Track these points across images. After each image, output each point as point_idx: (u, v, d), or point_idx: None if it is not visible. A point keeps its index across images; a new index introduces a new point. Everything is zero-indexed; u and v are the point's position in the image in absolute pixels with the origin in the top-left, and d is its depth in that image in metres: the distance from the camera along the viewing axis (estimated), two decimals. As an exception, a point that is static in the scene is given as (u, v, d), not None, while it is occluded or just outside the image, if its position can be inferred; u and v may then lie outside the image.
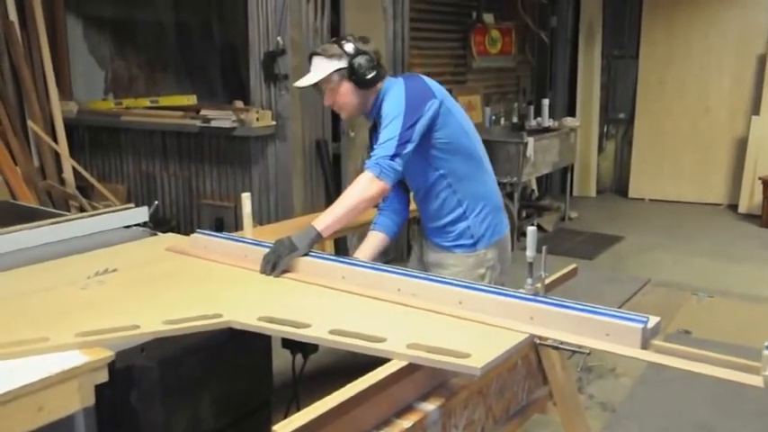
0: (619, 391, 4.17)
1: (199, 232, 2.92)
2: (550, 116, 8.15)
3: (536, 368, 2.33)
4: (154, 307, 2.21)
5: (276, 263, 2.53)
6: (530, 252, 2.16)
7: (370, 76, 2.78)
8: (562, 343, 1.97)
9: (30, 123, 6.27)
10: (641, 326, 1.90)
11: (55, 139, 6.39)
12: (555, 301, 2.07)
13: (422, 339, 1.91)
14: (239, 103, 5.91)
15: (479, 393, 2.01)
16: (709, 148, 9.06)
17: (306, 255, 2.58)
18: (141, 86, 7.30)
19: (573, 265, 2.72)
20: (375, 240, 3.02)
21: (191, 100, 6.51)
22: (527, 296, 2.12)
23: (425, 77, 2.91)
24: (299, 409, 2.49)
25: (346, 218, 2.68)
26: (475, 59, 7.57)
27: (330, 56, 2.78)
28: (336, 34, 5.74)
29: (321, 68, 2.80)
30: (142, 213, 3.42)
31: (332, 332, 1.98)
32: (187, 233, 3.22)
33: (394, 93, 2.78)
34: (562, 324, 1.99)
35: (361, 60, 2.76)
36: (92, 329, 1.99)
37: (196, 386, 2.35)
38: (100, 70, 7.25)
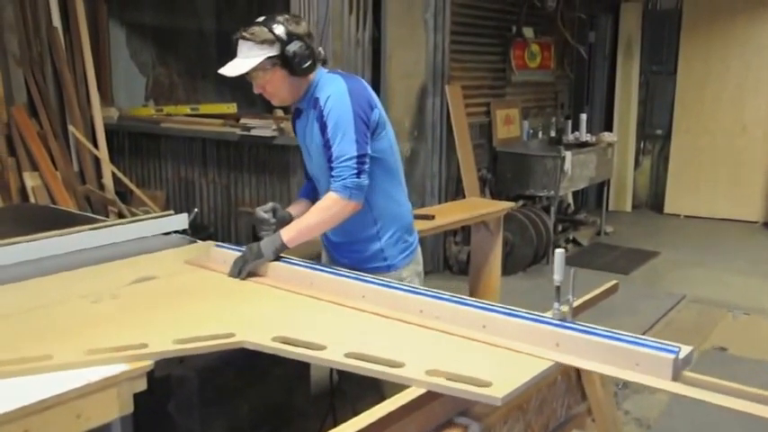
0: (655, 407, 4.11)
1: (218, 246, 2.87)
2: (588, 131, 8.10)
3: (575, 384, 2.30)
4: (166, 324, 2.16)
5: (242, 267, 2.57)
6: (557, 275, 2.07)
7: (304, 66, 2.59)
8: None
9: (71, 128, 6.34)
10: (673, 356, 1.83)
11: (95, 145, 6.46)
12: (583, 328, 1.99)
13: (442, 364, 1.85)
14: (279, 112, 5.93)
15: (519, 409, 1.99)
16: (745, 165, 8.98)
17: (276, 260, 2.60)
18: (181, 94, 7.37)
19: (614, 281, 2.69)
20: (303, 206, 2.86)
21: (231, 108, 6.55)
22: (553, 321, 2.03)
23: (365, 81, 2.80)
24: (335, 421, 2.51)
25: (313, 233, 2.67)
26: (514, 73, 7.54)
27: (260, 41, 2.56)
28: (378, 46, 5.77)
29: (251, 55, 2.58)
30: (182, 220, 3.41)
31: (348, 355, 1.91)
32: (224, 241, 3.23)
33: (338, 98, 2.60)
34: (589, 352, 1.90)
35: (294, 48, 2.55)
36: (99, 347, 1.94)
37: (233, 396, 2.36)
38: (141, 77, 7.34)
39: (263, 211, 2.77)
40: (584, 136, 8.00)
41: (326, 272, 2.52)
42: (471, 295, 4.91)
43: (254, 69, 2.59)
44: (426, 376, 1.79)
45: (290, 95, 2.72)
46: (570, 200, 8.39)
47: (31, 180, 6.00)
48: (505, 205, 4.98)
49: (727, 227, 8.78)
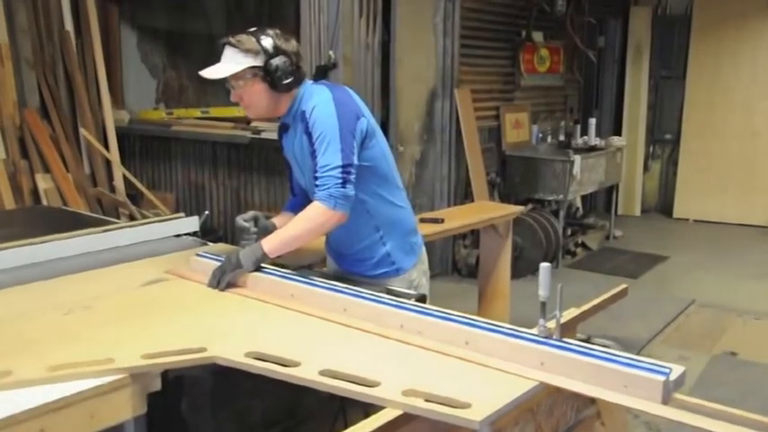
0: (664, 412, 4.10)
1: (199, 255, 2.75)
2: (597, 135, 8.10)
3: None
4: (136, 337, 2.08)
5: (221, 278, 2.50)
6: (542, 291, 1.96)
7: (286, 81, 2.54)
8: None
9: (82, 131, 6.38)
10: (663, 378, 1.73)
11: (106, 147, 6.50)
12: (569, 346, 1.89)
13: (421, 383, 1.77)
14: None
15: (529, 411, 1.98)
16: (755, 170, 8.94)
17: (256, 271, 2.52)
18: (192, 97, 7.41)
19: (623, 285, 2.69)
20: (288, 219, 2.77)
21: (241, 111, 6.53)
22: (539, 338, 1.93)
23: (351, 91, 2.73)
24: (345, 422, 2.52)
25: (296, 244, 2.59)
26: (523, 77, 7.55)
27: (246, 50, 2.51)
28: (388, 50, 5.79)
29: (234, 62, 2.53)
30: (193, 223, 3.42)
31: (322, 373, 1.84)
32: (234, 243, 3.22)
33: (323, 108, 2.54)
34: (575, 372, 1.81)
35: (278, 62, 2.51)
36: (63, 363, 1.86)
37: (246, 397, 2.37)
38: (152, 80, 7.38)
39: (243, 220, 2.73)
40: (594, 140, 8.00)
41: (307, 284, 2.42)
42: (480, 298, 4.95)
43: (234, 77, 2.55)
44: (402, 397, 1.72)
45: (266, 110, 2.66)
46: (579, 204, 8.38)
47: (43, 182, 6.05)
48: (515, 209, 4.99)
49: (736, 231, 8.75)
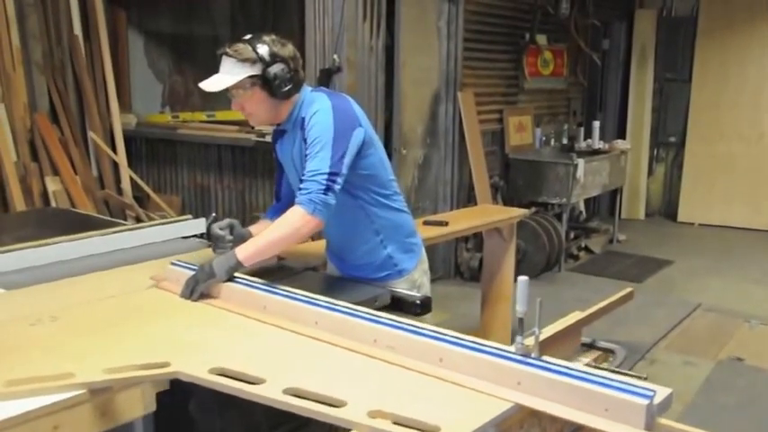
0: (669, 416, 4.04)
1: (174, 264, 2.64)
2: (601, 138, 8.12)
3: None
4: (100, 350, 2.01)
5: (194, 288, 2.43)
6: (520, 306, 1.85)
7: (285, 89, 2.55)
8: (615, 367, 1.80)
9: (90, 134, 6.45)
10: (646, 401, 1.62)
11: (114, 150, 6.56)
12: (548, 366, 1.77)
13: (390, 404, 1.69)
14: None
15: (534, 415, 1.91)
16: (761, 173, 8.90)
17: (229, 281, 2.45)
18: (197, 101, 7.46)
19: (629, 289, 2.69)
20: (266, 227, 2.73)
21: (246, 115, 6.62)
22: (516, 357, 1.82)
23: (351, 100, 2.71)
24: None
25: (271, 251, 2.55)
26: (527, 80, 7.57)
27: (243, 60, 2.51)
28: (391, 54, 5.83)
29: (233, 72, 2.54)
30: (199, 225, 3.45)
31: (287, 391, 1.75)
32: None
33: (321, 115, 2.54)
34: (553, 393, 1.70)
35: (276, 70, 2.51)
36: (21, 377, 1.81)
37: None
38: (158, 84, 7.44)
39: (218, 228, 2.68)
40: (597, 143, 8.02)
41: (281, 295, 2.33)
42: (483, 302, 4.94)
43: (234, 87, 2.55)
44: (368, 419, 1.64)
45: (268, 117, 2.67)
46: (582, 207, 8.39)
47: (52, 184, 6.12)
48: (519, 212, 4.99)
49: (742, 235, 8.72)
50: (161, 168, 6.91)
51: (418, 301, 2.66)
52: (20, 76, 6.09)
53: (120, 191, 6.56)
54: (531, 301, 1.81)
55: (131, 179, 6.56)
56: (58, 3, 6.40)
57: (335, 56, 5.31)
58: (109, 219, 4.90)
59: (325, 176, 2.45)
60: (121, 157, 6.60)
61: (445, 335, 1.98)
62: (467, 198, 6.70)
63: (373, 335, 2.04)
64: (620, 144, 8.19)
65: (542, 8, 7.46)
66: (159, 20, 7.35)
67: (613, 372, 1.83)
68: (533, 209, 7.05)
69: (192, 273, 2.48)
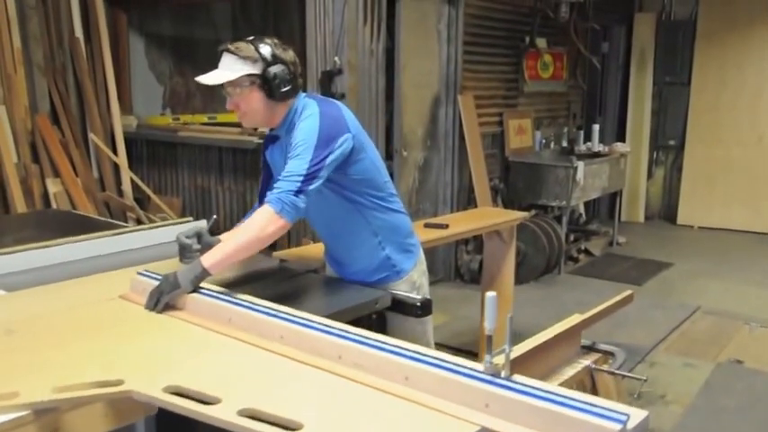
0: (668, 418, 4.08)
1: (140, 274, 2.52)
2: (600, 141, 8.14)
3: (590, 393, 2.26)
4: (51, 366, 1.90)
5: (158, 299, 2.32)
6: (488, 323, 1.71)
7: (283, 90, 2.53)
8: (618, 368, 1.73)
9: (91, 136, 6.47)
10: (619, 426, 1.50)
11: (115, 152, 6.58)
12: (518, 387, 1.66)
13: (351, 426, 1.63)
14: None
15: None
16: (761, 176, 8.90)
17: (194, 291, 2.34)
18: (198, 103, 7.48)
19: (628, 291, 2.67)
20: None
21: (247, 118, 6.63)
22: (484, 377, 1.70)
23: (342, 106, 2.68)
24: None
25: (238, 256, 2.42)
26: (526, 83, 7.59)
27: (244, 57, 2.49)
28: (392, 56, 5.84)
29: (232, 69, 2.51)
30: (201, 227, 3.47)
31: (242, 412, 1.65)
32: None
33: (308, 120, 2.52)
34: (523, 416, 1.59)
35: (276, 70, 2.49)
36: None
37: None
38: (159, 86, 7.45)
39: (185, 237, 2.61)
40: (597, 146, 8.04)
41: (246, 308, 2.22)
42: (484, 304, 4.93)
43: (231, 84, 2.53)
44: None
45: (262, 119, 2.63)
46: (582, 210, 8.41)
47: (53, 186, 6.13)
48: (519, 215, 4.97)
49: (741, 238, 8.72)
50: (162, 170, 6.92)
51: (419, 303, 2.67)
52: (21, 78, 6.10)
53: (120, 193, 6.57)
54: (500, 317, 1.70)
55: (132, 181, 6.57)
56: (59, 5, 6.42)
57: (336, 58, 5.32)
58: (110, 221, 4.91)
59: (300, 178, 2.41)
60: (122, 159, 6.62)
61: (414, 351, 1.87)
62: (467, 200, 6.71)
63: (338, 351, 1.94)
64: (619, 147, 8.19)
65: (542, 12, 7.47)
66: (160, 22, 7.36)
67: (612, 374, 1.79)
68: (533, 211, 7.07)
69: (158, 283, 2.38)
